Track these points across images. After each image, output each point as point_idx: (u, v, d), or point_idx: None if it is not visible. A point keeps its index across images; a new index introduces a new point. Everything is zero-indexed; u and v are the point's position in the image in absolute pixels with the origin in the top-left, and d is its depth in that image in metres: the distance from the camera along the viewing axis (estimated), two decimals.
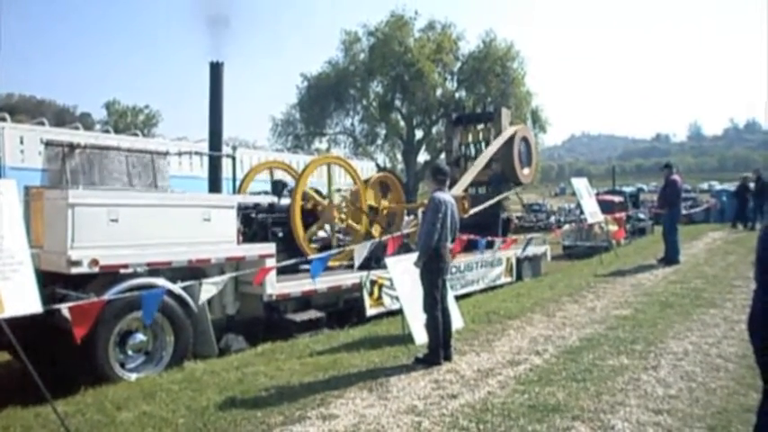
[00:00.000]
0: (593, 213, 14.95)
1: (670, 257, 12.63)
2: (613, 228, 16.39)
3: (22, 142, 12.39)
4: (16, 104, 51.12)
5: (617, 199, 21.19)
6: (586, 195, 15.15)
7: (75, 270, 5.58)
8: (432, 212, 5.91)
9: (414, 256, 6.31)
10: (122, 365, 5.96)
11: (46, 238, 6.10)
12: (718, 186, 42.35)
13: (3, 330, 4.13)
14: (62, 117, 43.96)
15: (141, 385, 5.46)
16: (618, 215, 17.19)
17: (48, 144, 7.28)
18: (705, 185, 66.46)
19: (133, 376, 5.89)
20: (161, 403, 4.90)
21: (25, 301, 4.20)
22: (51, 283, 5.79)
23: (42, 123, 14.14)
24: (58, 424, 4.26)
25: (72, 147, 7.26)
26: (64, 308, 4.55)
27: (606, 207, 17.35)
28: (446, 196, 6.13)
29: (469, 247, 9.75)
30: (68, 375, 5.47)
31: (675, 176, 12.84)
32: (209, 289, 6.31)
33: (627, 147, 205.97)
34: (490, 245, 10.53)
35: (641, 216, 22.11)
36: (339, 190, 9.51)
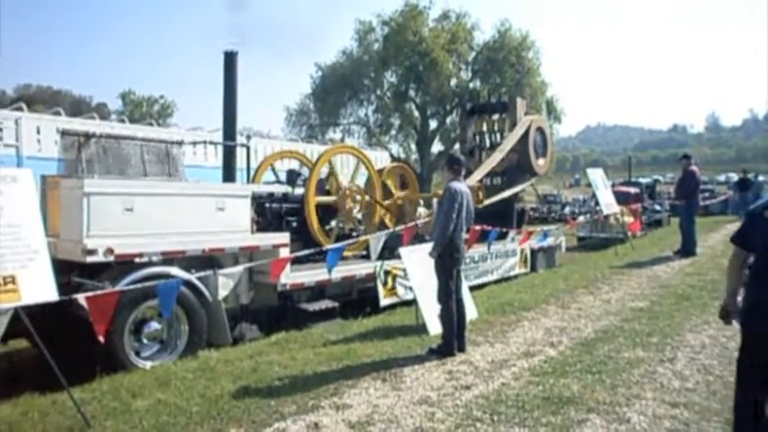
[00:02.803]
0: (608, 204, 14.82)
1: (687, 249, 12.51)
2: (629, 219, 16.27)
3: (38, 132, 12.48)
4: (33, 95, 51.51)
5: (633, 190, 20.98)
6: (602, 186, 15.03)
7: (90, 259, 5.61)
8: (448, 202, 5.87)
9: (428, 246, 6.28)
10: (137, 354, 5.99)
11: (62, 227, 6.14)
12: (735, 178, 41.82)
13: (20, 318, 4.17)
14: (78, 107, 44.18)
15: (156, 373, 5.50)
16: (634, 206, 17.05)
17: (64, 133, 7.31)
18: (723, 177, 65.62)
19: (148, 364, 5.92)
20: (175, 391, 4.93)
21: (42, 289, 4.24)
22: (67, 271, 5.83)
23: (58, 113, 14.23)
24: (75, 410, 4.30)
25: (88, 136, 7.28)
26: (80, 297, 4.58)
27: (622, 198, 17.22)
28: (462, 186, 6.09)
29: (484, 237, 9.70)
30: (85, 363, 5.51)
31: (693, 167, 12.69)
32: (226, 283, 6.32)
33: (643, 137, 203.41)
34: (502, 236, 10.47)
35: (657, 207, 21.91)
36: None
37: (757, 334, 3.33)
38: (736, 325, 6.76)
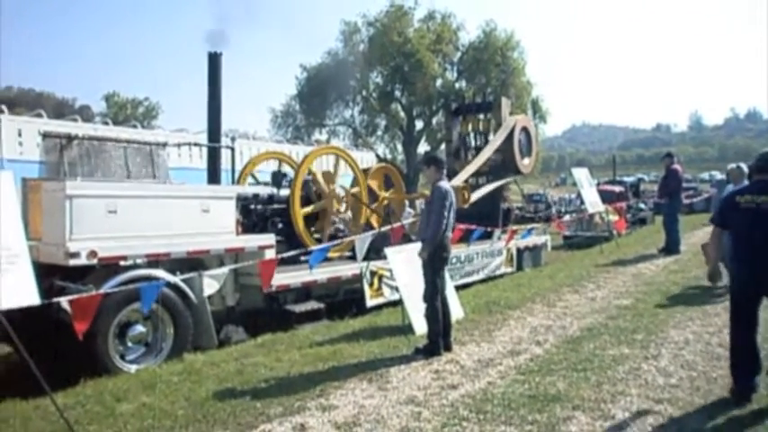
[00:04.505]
0: (593, 203, 14.93)
1: (671, 247, 12.62)
2: (614, 218, 16.37)
3: (20, 135, 12.36)
4: (15, 97, 50.79)
5: (617, 189, 21.16)
6: (587, 185, 15.14)
7: (73, 262, 5.56)
8: (439, 202, 5.87)
9: (414, 246, 6.29)
10: (122, 357, 5.95)
11: (44, 230, 6.07)
12: (719, 176, 42.23)
13: (1, 323, 4.12)
14: (61, 110, 43.74)
15: (141, 377, 5.45)
16: (618, 205, 17.17)
17: (45, 135, 7.21)
18: (706, 175, 66.30)
19: (133, 368, 5.88)
20: (160, 394, 4.90)
21: (23, 293, 4.18)
22: (50, 275, 5.76)
23: (40, 115, 14.09)
24: (58, 416, 4.25)
25: (70, 138, 7.18)
26: (63, 300, 4.53)
27: (607, 197, 17.35)
28: (449, 185, 6.12)
29: (469, 237, 9.72)
30: (68, 367, 5.46)
31: (676, 166, 12.80)
32: (211, 284, 6.28)
33: (627, 137, 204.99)
34: (487, 235, 10.51)
35: (642, 206, 22.08)
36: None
37: (740, 289, 4.64)
38: (719, 321, 6.85)
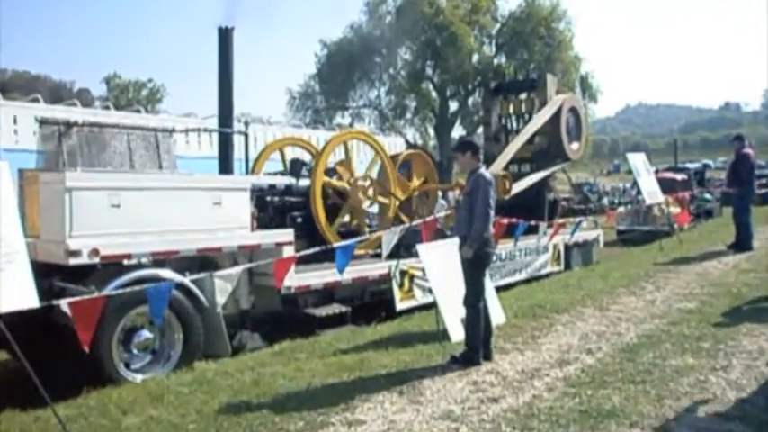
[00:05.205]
0: (651, 193, 14.72)
1: (742, 243, 12.40)
2: (675, 210, 16.13)
3: (15, 122, 12.64)
4: (9, 81, 52.01)
5: (679, 177, 20.85)
6: (644, 173, 14.92)
7: (74, 261, 5.66)
8: (486, 193, 5.79)
9: (449, 242, 6.25)
10: (127, 365, 6.04)
11: (42, 227, 6.19)
12: None
13: None
14: (58, 94, 44.65)
15: (148, 387, 5.54)
16: (681, 195, 16.90)
17: (42, 122, 7.35)
18: None
19: (139, 377, 5.97)
20: (169, 407, 4.96)
21: (21, 295, 4.27)
22: (48, 275, 5.88)
23: (37, 100, 14.42)
24: (60, 428, 4.35)
25: (69, 125, 7.30)
26: (63, 303, 4.62)
27: (667, 186, 17.10)
28: (491, 174, 6.09)
29: (511, 232, 9.65)
30: (70, 376, 5.57)
31: (748, 150, 12.57)
32: (223, 287, 6.33)
33: (690, 117, 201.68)
34: (532, 230, 10.43)
35: (707, 196, 21.73)
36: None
37: None
38: None
